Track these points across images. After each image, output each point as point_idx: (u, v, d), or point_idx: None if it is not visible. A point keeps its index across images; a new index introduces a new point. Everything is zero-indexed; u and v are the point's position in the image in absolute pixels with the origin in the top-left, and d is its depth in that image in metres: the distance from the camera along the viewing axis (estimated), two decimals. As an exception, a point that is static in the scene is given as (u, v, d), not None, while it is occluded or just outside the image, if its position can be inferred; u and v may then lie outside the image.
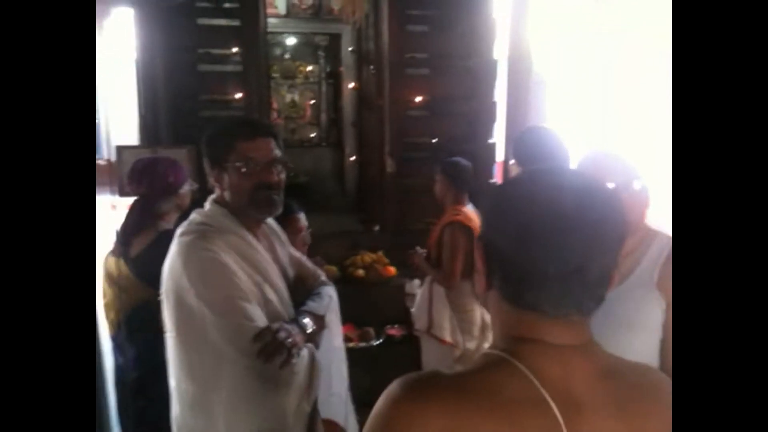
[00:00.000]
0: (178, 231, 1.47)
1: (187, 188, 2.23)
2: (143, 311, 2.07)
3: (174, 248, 1.43)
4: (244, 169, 1.41)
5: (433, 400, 0.70)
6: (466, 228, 2.85)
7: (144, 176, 2.19)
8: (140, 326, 2.09)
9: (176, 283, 1.37)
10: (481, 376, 0.74)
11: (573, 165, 1.91)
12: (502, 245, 0.74)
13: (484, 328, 2.98)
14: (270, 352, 1.30)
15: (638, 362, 0.83)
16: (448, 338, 2.87)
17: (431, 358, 2.94)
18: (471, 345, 2.93)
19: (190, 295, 1.34)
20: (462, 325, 2.90)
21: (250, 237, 1.47)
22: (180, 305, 1.37)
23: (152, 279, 2.01)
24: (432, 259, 2.95)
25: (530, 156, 1.96)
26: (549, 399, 0.70)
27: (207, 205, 1.50)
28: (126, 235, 2.16)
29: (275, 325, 1.36)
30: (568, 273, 0.71)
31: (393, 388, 0.74)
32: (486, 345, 3.04)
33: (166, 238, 1.92)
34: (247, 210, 1.46)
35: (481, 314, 2.96)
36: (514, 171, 2.04)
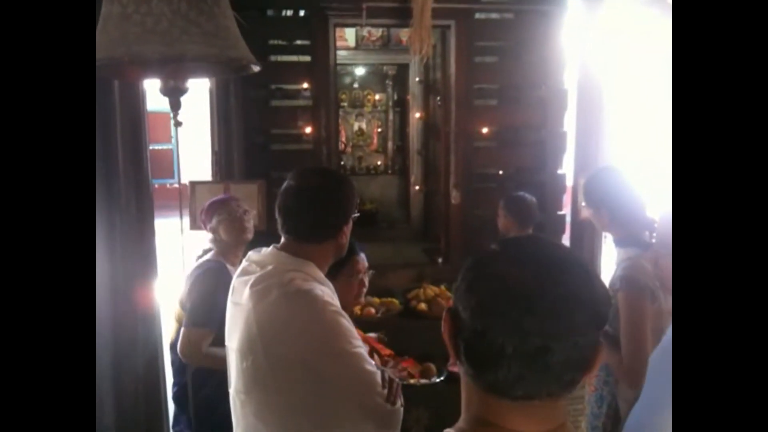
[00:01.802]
0: (265, 287, 1.38)
1: (215, 222, 2.27)
2: (178, 337, 2.17)
3: (284, 308, 1.35)
4: (355, 217, 1.51)
5: None
6: None
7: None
8: (176, 352, 2.18)
9: (298, 346, 1.32)
10: None
11: (653, 217, 1.84)
12: (465, 320, 0.71)
13: None
14: (395, 394, 1.38)
15: None
16: None
17: None
18: None
19: (317, 355, 1.32)
20: None
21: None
22: (295, 366, 1.32)
23: (184, 305, 2.17)
24: None
25: (600, 199, 1.92)
26: None
27: (285, 257, 1.43)
28: None
29: (381, 369, 1.42)
30: (527, 354, 0.66)
31: None
32: None
33: (204, 269, 2.15)
34: (339, 254, 1.51)
35: None
36: (585, 213, 1.97)
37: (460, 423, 0.76)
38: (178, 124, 1.10)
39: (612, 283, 1.87)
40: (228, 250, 2.24)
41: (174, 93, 1.04)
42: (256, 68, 1.11)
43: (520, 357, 0.67)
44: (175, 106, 1.06)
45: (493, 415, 0.71)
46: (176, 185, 11.70)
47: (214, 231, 2.27)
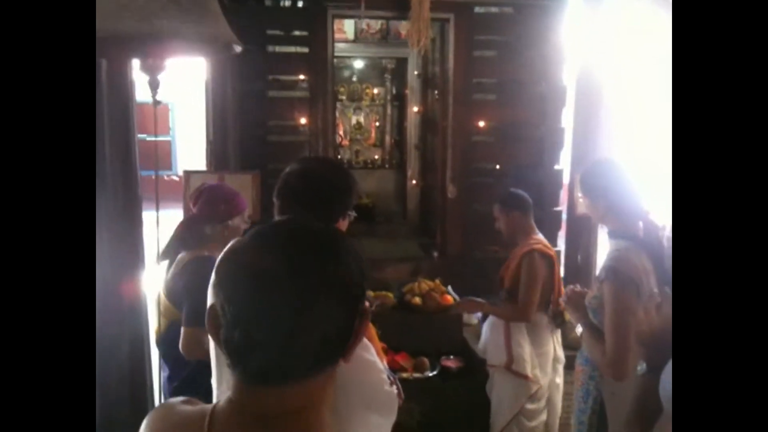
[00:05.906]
0: None
1: (237, 221, 2.18)
2: (172, 332, 2.09)
3: None
4: (352, 216, 1.48)
5: (153, 423, 0.80)
6: (546, 257, 2.76)
7: (199, 198, 2.21)
8: (170, 346, 2.11)
9: None
10: (188, 419, 0.76)
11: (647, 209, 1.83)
12: (220, 314, 0.73)
13: (555, 361, 2.89)
14: (399, 392, 1.36)
15: None
16: (530, 373, 2.79)
17: (506, 395, 2.83)
18: (545, 381, 2.82)
19: None
20: (540, 360, 2.82)
21: None
22: None
23: (178, 301, 2.08)
24: (505, 291, 2.87)
25: (598, 190, 1.91)
26: None
27: None
28: (166, 252, 2.18)
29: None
30: (277, 341, 0.68)
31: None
32: (558, 380, 2.93)
33: (201, 264, 1.99)
34: None
35: (553, 348, 2.87)
36: (582, 206, 1.97)
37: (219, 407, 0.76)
38: (156, 103, 1.08)
39: (599, 274, 1.86)
40: (211, 245, 2.16)
41: (152, 71, 1.02)
42: (238, 48, 1.10)
43: (270, 344, 0.68)
44: (153, 84, 1.04)
45: (250, 400, 0.72)
46: (174, 177, 11.66)
47: (231, 228, 2.17)
